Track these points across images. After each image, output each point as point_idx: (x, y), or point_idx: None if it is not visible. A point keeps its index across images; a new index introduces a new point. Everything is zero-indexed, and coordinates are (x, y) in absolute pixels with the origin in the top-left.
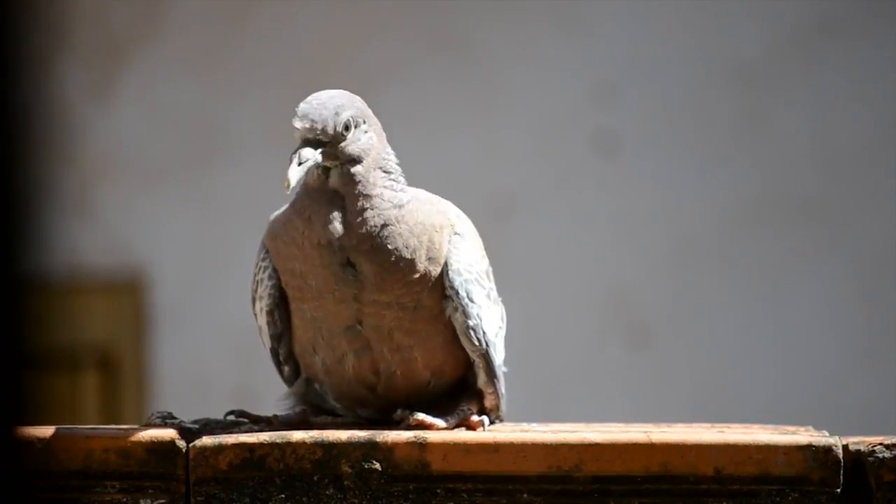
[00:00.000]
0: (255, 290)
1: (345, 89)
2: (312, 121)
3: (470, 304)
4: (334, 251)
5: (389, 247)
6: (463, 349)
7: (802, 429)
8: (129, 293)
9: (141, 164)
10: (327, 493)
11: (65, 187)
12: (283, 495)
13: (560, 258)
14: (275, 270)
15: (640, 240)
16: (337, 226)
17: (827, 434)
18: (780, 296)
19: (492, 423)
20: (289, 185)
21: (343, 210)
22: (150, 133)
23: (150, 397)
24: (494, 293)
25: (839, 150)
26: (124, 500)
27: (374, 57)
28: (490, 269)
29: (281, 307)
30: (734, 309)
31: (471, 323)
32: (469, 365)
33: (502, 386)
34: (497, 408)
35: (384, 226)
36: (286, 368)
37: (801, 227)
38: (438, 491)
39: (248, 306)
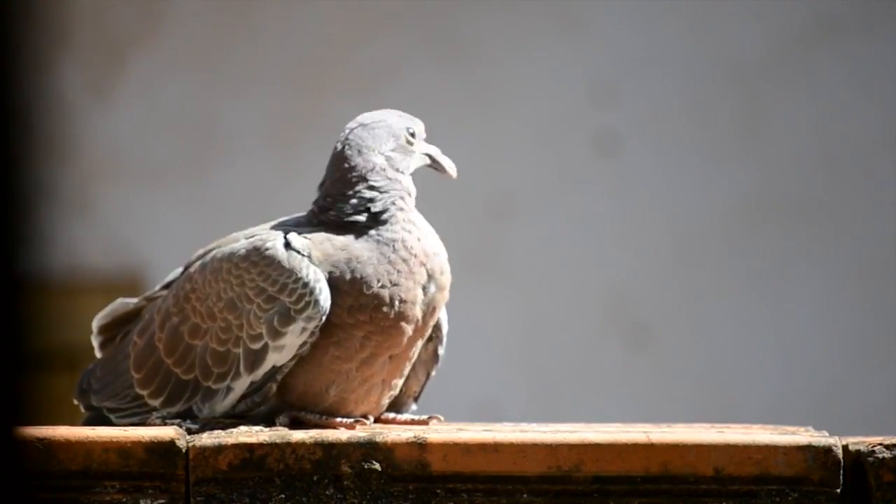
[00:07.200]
0: (294, 311)
1: (345, 89)
2: None
3: (445, 325)
4: (424, 270)
5: (448, 268)
6: None
7: (802, 429)
8: (128, 293)
9: (141, 164)
10: (327, 493)
11: (65, 187)
12: (283, 495)
13: (560, 258)
14: (327, 299)
15: (640, 240)
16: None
17: (827, 434)
18: (780, 296)
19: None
20: None
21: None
22: (149, 133)
23: None
24: None
25: (839, 150)
26: (124, 500)
27: (374, 57)
28: None
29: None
30: (734, 309)
31: (444, 335)
32: None
33: None
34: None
35: (442, 251)
36: (272, 386)
37: (802, 227)
38: (438, 491)
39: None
